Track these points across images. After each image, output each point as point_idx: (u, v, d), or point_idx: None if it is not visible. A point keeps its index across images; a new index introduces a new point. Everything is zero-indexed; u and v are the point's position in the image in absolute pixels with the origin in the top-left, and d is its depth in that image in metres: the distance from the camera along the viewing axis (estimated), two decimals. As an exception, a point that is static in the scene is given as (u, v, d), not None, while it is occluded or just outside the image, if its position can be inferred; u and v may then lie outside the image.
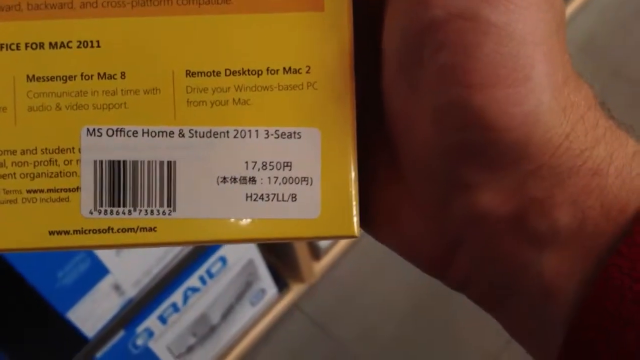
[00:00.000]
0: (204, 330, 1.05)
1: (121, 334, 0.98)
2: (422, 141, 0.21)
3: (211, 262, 1.00)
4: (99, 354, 0.97)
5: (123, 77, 0.22)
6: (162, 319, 1.01)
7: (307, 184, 0.22)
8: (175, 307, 1.02)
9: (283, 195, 0.22)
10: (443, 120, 0.20)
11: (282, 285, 1.10)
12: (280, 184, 0.22)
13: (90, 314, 0.92)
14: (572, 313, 0.20)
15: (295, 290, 1.10)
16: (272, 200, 0.22)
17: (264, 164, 0.22)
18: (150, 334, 1.01)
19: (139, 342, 1.00)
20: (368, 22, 0.23)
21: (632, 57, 1.25)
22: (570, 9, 1.27)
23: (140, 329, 1.00)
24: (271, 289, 1.09)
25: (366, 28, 0.23)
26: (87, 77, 0.22)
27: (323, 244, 1.10)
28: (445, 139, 0.21)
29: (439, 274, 0.23)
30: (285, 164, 0.23)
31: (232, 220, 0.22)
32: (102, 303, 0.92)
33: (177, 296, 1.02)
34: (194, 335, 1.04)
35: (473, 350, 0.98)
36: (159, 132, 0.22)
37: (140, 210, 0.22)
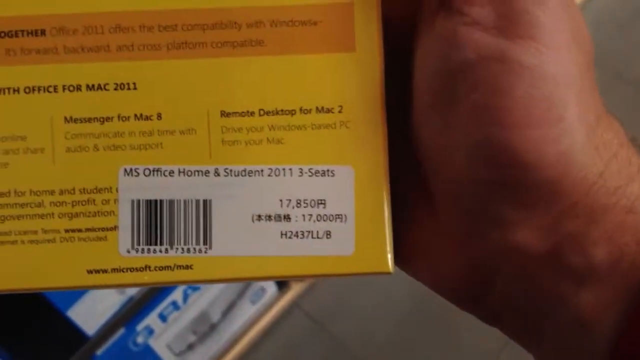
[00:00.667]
0: (204, 328, 1.05)
1: (121, 331, 0.98)
2: (455, 177, 0.22)
3: (212, 261, 1.00)
4: (99, 352, 0.97)
5: (159, 118, 0.23)
6: (163, 317, 1.02)
7: (341, 221, 0.23)
8: (175, 305, 1.02)
9: (317, 232, 0.23)
10: (478, 158, 0.21)
11: (282, 283, 1.10)
12: (314, 221, 0.23)
13: (91, 312, 0.92)
14: (609, 348, 0.20)
15: (295, 289, 1.11)
16: (306, 237, 0.23)
17: (299, 201, 0.23)
18: (150, 332, 1.01)
19: (140, 340, 1.00)
20: (398, 60, 0.23)
21: (632, 59, 1.25)
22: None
23: (140, 327, 1.00)
24: (271, 287, 1.10)
25: (396, 66, 0.23)
26: (124, 118, 0.23)
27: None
28: (480, 176, 0.21)
29: (471, 307, 0.23)
30: (320, 202, 0.23)
31: (267, 257, 0.23)
32: (103, 301, 0.92)
33: (177, 294, 1.02)
34: (194, 333, 1.04)
35: (472, 350, 0.99)
36: (194, 171, 0.23)
37: (177, 249, 0.23)
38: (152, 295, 0.97)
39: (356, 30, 0.23)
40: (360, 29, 0.23)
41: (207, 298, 1.04)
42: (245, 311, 1.08)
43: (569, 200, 0.21)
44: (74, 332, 0.92)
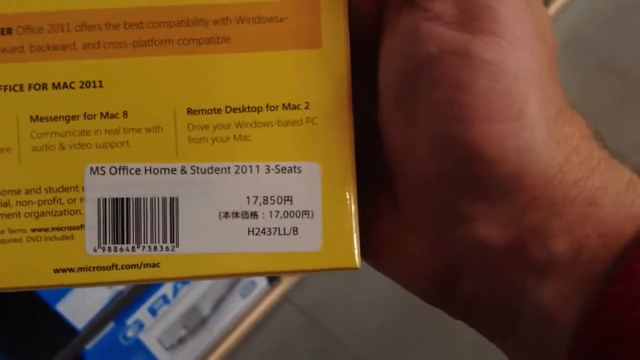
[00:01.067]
0: (195, 322, 1.05)
1: (111, 325, 0.98)
2: (419, 173, 0.22)
3: (201, 255, 1.00)
4: (89, 346, 0.97)
5: (125, 116, 0.23)
6: (152, 311, 1.02)
7: (308, 217, 0.23)
8: (165, 299, 1.02)
9: (285, 229, 0.23)
10: (439, 153, 0.21)
11: (272, 277, 1.10)
12: (281, 217, 0.23)
13: (80, 305, 0.92)
14: (572, 339, 0.20)
15: (286, 283, 1.11)
16: (274, 234, 0.23)
17: (265, 198, 0.23)
18: (140, 325, 1.01)
19: (130, 334, 1.00)
20: (363, 58, 0.23)
21: (618, 51, 1.25)
22: (556, 5, 1.27)
23: (130, 320, 1.00)
24: (261, 281, 1.10)
25: (362, 63, 0.23)
26: (90, 117, 0.23)
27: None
28: (442, 171, 0.21)
29: (441, 303, 0.23)
30: (286, 198, 0.23)
31: (235, 254, 0.23)
32: (92, 295, 0.92)
33: (167, 288, 1.02)
34: (184, 327, 1.05)
35: (463, 341, 1.00)
36: (161, 169, 0.23)
37: (144, 247, 0.23)
38: (142, 290, 0.98)
39: (323, 27, 0.23)
40: (327, 25, 0.23)
41: (197, 292, 1.04)
42: (236, 305, 1.08)
43: (530, 194, 0.21)
44: (63, 326, 0.92)
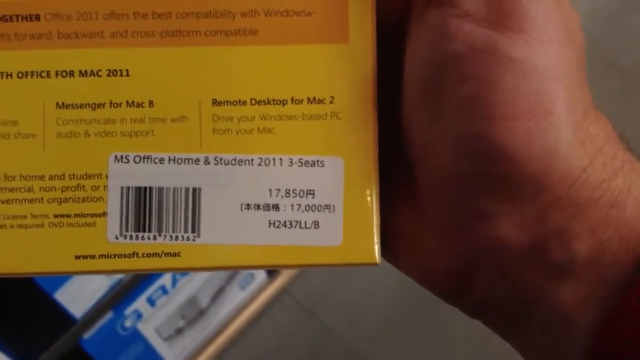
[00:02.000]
0: (193, 313, 1.05)
1: (109, 315, 0.98)
2: (442, 170, 0.22)
3: (201, 246, 1.00)
4: (87, 335, 0.97)
5: (151, 105, 0.23)
6: (151, 301, 1.02)
7: (329, 211, 0.23)
8: (164, 290, 1.03)
9: (306, 222, 0.23)
10: (464, 151, 0.21)
11: (271, 270, 1.10)
12: (303, 211, 0.23)
13: (78, 294, 0.92)
14: (590, 341, 0.20)
15: (285, 276, 1.11)
16: (294, 227, 0.23)
17: (287, 191, 0.23)
18: (138, 315, 1.01)
19: (128, 323, 1.01)
20: (389, 51, 0.23)
21: (624, 47, 1.26)
22: (559, 2, 1.27)
23: (128, 310, 1.00)
24: (260, 273, 1.10)
25: (388, 57, 0.23)
26: (115, 105, 0.23)
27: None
28: (466, 168, 0.21)
29: (456, 300, 0.23)
30: (308, 192, 0.23)
31: (255, 246, 0.23)
32: (91, 284, 0.92)
33: (166, 279, 1.03)
34: (183, 317, 1.05)
35: (461, 336, 1.00)
36: (185, 159, 0.23)
37: (165, 236, 0.23)
38: (141, 280, 0.98)
39: (350, 22, 0.23)
40: (354, 20, 0.23)
41: (196, 283, 1.04)
42: (234, 297, 1.08)
43: (553, 195, 0.21)
44: (61, 315, 0.92)
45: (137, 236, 0.23)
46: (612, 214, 0.21)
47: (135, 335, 1.02)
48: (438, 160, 0.22)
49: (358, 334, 1.09)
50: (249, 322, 1.09)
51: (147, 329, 1.03)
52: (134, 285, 0.96)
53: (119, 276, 0.93)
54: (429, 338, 1.05)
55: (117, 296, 0.95)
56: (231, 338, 1.08)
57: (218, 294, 1.07)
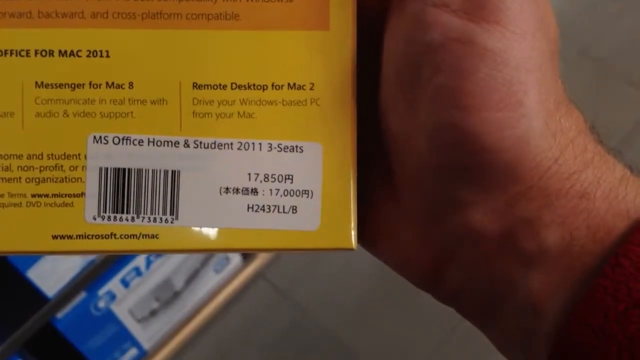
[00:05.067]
0: (167, 295, 1.05)
1: (83, 295, 0.98)
2: (417, 158, 0.22)
3: (176, 228, 1.00)
4: (60, 315, 0.97)
5: (131, 87, 0.23)
6: (125, 283, 1.02)
7: (307, 196, 0.23)
8: (137, 271, 1.02)
9: (284, 207, 0.23)
10: (437, 140, 0.21)
11: (246, 253, 1.10)
12: (281, 195, 0.23)
13: (51, 273, 0.92)
14: (557, 330, 0.21)
15: (260, 259, 1.11)
16: (272, 211, 0.23)
17: (266, 176, 0.23)
18: (112, 296, 1.01)
19: (101, 304, 1.00)
20: (369, 40, 0.23)
21: (598, 36, 1.27)
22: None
23: (102, 291, 1.00)
24: (235, 256, 1.10)
25: (368, 46, 0.23)
26: (95, 86, 0.23)
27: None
28: (439, 157, 0.21)
29: (430, 288, 0.24)
30: (287, 177, 0.23)
31: (233, 229, 0.23)
32: (63, 263, 0.92)
33: (139, 261, 1.02)
34: (157, 299, 1.05)
35: (433, 317, 1.01)
36: (164, 141, 0.23)
37: (143, 218, 0.23)
38: (114, 261, 0.97)
39: (331, 10, 0.23)
40: (335, 8, 0.23)
41: (170, 265, 1.04)
42: (209, 280, 1.08)
43: (524, 184, 0.21)
44: (33, 294, 0.91)
45: (115, 217, 0.23)
46: (582, 205, 0.21)
47: (109, 316, 1.02)
48: (413, 148, 0.22)
49: (333, 314, 1.09)
50: (223, 304, 1.09)
51: (121, 310, 1.02)
52: (107, 266, 0.96)
53: (92, 256, 0.93)
54: (404, 317, 1.06)
55: (90, 276, 0.94)
56: (206, 320, 1.08)
57: (192, 277, 1.07)
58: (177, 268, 1.05)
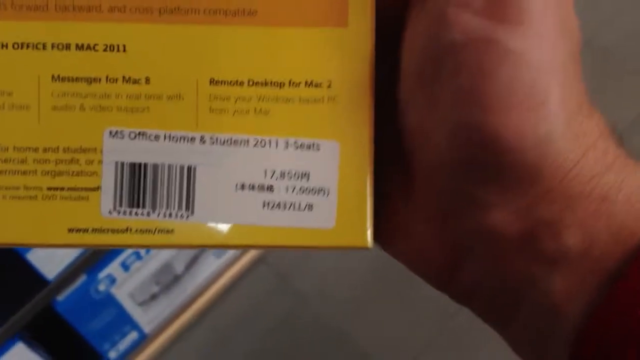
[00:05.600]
0: (168, 279, 1.06)
1: (83, 278, 0.98)
2: (436, 156, 0.22)
3: (177, 213, 1.00)
4: (60, 297, 0.97)
5: (147, 82, 0.23)
6: (125, 266, 1.02)
7: (323, 194, 0.23)
8: (138, 255, 1.02)
9: (300, 204, 0.23)
10: (458, 139, 0.21)
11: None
12: (297, 193, 0.23)
13: (51, 256, 0.92)
14: (576, 333, 0.21)
15: (260, 244, 1.11)
16: (288, 209, 0.23)
17: (283, 173, 0.23)
18: (112, 280, 1.01)
19: (101, 287, 1.00)
20: (388, 38, 0.23)
21: (601, 28, 1.26)
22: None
23: (102, 274, 1.00)
24: (236, 241, 1.10)
25: (386, 44, 0.23)
26: (112, 80, 0.23)
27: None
28: (460, 156, 0.21)
29: (445, 287, 0.24)
30: (303, 174, 0.23)
31: (248, 226, 0.23)
32: (63, 246, 0.92)
33: (140, 244, 1.02)
34: (157, 283, 1.05)
35: (431, 307, 1.01)
36: (180, 137, 0.23)
37: (159, 213, 0.23)
38: (114, 244, 0.97)
39: (350, 7, 0.23)
40: (354, 5, 0.23)
41: (170, 250, 1.04)
42: (210, 264, 1.08)
43: (545, 186, 0.21)
44: (33, 276, 0.91)
45: (130, 212, 0.23)
46: (603, 208, 0.21)
47: (109, 299, 1.02)
48: (433, 147, 0.22)
49: (331, 302, 1.10)
50: (223, 289, 1.09)
51: (121, 294, 1.03)
52: (107, 249, 0.96)
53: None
54: (400, 308, 1.07)
55: (90, 259, 0.94)
56: (206, 305, 1.08)
57: (193, 262, 1.07)
58: (178, 252, 1.05)
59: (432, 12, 0.21)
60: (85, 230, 0.23)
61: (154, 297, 1.05)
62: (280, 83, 0.23)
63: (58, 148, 0.23)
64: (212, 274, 1.09)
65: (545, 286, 0.21)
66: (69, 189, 0.23)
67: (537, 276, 0.21)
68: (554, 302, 0.21)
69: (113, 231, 0.23)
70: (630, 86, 1.22)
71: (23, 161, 0.23)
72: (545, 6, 0.21)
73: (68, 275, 0.93)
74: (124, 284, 1.02)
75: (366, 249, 0.23)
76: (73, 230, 0.23)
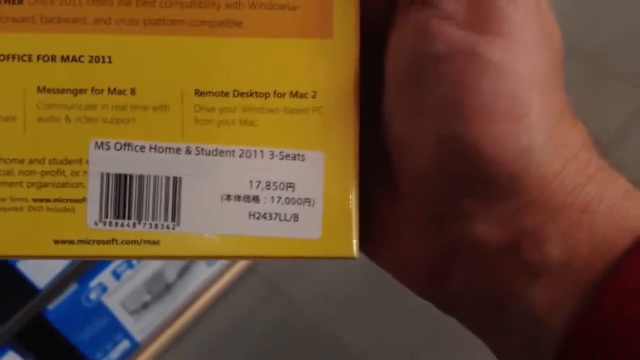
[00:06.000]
0: (159, 287, 1.05)
1: (74, 287, 0.98)
2: (420, 165, 0.22)
3: (169, 221, 1.00)
4: (51, 306, 0.97)
5: (133, 93, 0.23)
6: (116, 275, 1.02)
7: (309, 205, 0.23)
8: (129, 264, 1.02)
9: (285, 215, 0.23)
10: (440, 150, 0.21)
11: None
12: (283, 203, 0.23)
13: (42, 264, 0.91)
14: (560, 343, 0.21)
15: (251, 252, 1.11)
16: (274, 219, 0.23)
17: (268, 183, 0.23)
18: (103, 289, 1.01)
19: (93, 296, 1.00)
20: (373, 48, 0.23)
21: (589, 32, 1.27)
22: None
23: (93, 283, 1.00)
24: (227, 249, 1.10)
25: (371, 54, 0.23)
26: (97, 91, 0.23)
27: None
28: (442, 167, 0.21)
29: (431, 295, 0.24)
30: (289, 185, 0.23)
31: (234, 236, 0.23)
32: (54, 255, 0.91)
33: (132, 253, 1.02)
34: (148, 292, 1.05)
35: (424, 310, 1.01)
36: (166, 148, 0.23)
37: (145, 224, 0.23)
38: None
39: (334, 18, 0.23)
40: (339, 16, 0.23)
41: (162, 258, 1.04)
42: (201, 273, 1.08)
43: (527, 197, 0.21)
44: (24, 285, 0.91)
45: (116, 223, 0.23)
46: (584, 219, 0.21)
47: (101, 308, 1.02)
48: (416, 157, 0.22)
49: (324, 306, 1.10)
50: (215, 297, 1.09)
51: (113, 302, 1.02)
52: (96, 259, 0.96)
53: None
54: (394, 313, 1.07)
55: (81, 268, 0.94)
56: (198, 313, 1.08)
57: (185, 270, 1.07)
58: (169, 261, 1.05)
59: (415, 24, 0.21)
60: (72, 242, 0.23)
61: (145, 305, 1.04)
62: (266, 94, 0.23)
63: (44, 159, 0.23)
64: (203, 282, 1.09)
65: (528, 297, 0.21)
66: (55, 200, 0.23)
67: (520, 286, 0.22)
68: (537, 313, 0.21)
69: (99, 242, 0.23)
70: (617, 90, 1.23)
71: (9, 172, 0.23)
72: (526, 17, 0.21)
73: (59, 283, 0.93)
74: (116, 292, 1.02)
75: (352, 259, 0.23)
76: (59, 241, 0.23)
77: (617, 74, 1.24)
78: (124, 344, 1.05)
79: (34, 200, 0.23)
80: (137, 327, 1.05)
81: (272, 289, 1.11)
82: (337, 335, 1.08)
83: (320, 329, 1.09)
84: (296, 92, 0.23)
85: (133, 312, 1.04)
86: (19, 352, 0.95)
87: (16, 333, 0.91)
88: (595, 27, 1.29)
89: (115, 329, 1.04)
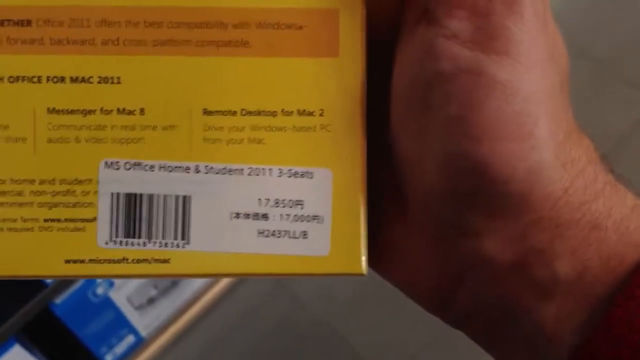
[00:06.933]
0: (166, 283, 1.06)
1: (80, 281, 0.98)
2: (427, 183, 0.22)
3: (174, 217, 1.00)
4: (58, 300, 0.97)
5: (142, 113, 0.23)
6: (122, 269, 1.02)
7: (317, 222, 0.23)
8: (135, 259, 1.03)
9: (294, 232, 0.23)
10: (448, 168, 0.21)
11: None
12: (291, 221, 0.23)
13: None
14: (572, 357, 0.21)
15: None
16: (283, 236, 0.23)
17: (277, 201, 0.23)
18: (110, 283, 1.01)
19: (99, 291, 1.01)
20: (379, 66, 0.23)
21: (598, 37, 1.26)
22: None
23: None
24: (233, 244, 1.10)
25: (377, 72, 0.23)
26: (106, 112, 0.23)
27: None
28: (450, 185, 0.22)
29: (439, 311, 0.24)
30: (297, 202, 0.23)
31: (244, 254, 0.23)
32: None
33: (138, 248, 1.02)
34: (155, 287, 1.05)
35: (424, 315, 1.01)
36: (175, 167, 0.23)
37: (155, 242, 0.23)
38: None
39: (341, 36, 0.23)
40: (345, 35, 0.23)
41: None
42: (207, 268, 1.08)
43: (535, 215, 0.21)
44: (31, 279, 0.91)
45: (126, 242, 0.23)
46: (593, 235, 0.21)
47: (107, 303, 1.02)
48: (423, 175, 0.22)
49: (328, 305, 1.10)
50: (221, 294, 1.09)
51: (119, 297, 1.03)
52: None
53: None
54: (398, 311, 1.07)
55: (88, 263, 0.94)
56: (203, 309, 1.09)
57: (190, 264, 1.07)
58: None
59: (421, 42, 0.21)
60: (82, 261, 0.23)
61: (151, 301, 1.05)
62: (273, 112, 0.23)
63: (54, 180, 0.23)
64: (209, 278, 1.09)
65: (537, 314, 0.22)
66: (66, 220, 0.23)
67: (528, 304, 0.22)
68: (547, 329, 0.21)
69: (110, 261, 0.23)
70: (626, 95, 1.22)
71: (20, 193, 0.23)
72: (532, 36, 0.21)
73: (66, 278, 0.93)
74: (122, 287, 1.02)
75: (361, 275, 0.24)
76: (70, 261, 0.23)
77: (626, 78, 1.24)
78: (129, 339, 1.06)
79: (45, 220, 0.23)
80: (143, 322, 1.05)
81: (278, 286, 1.12)
82: (340, 334, 1.09)
83: (323, 328, 1.09)
84: (304, 110, 0.23)
85: (139, 307, 1.04)
86: (25, 345, 0.96)
87: (23, 326, 0.91)
88: (605, 32, 1.29)
89: (121, 324, 1.04)
